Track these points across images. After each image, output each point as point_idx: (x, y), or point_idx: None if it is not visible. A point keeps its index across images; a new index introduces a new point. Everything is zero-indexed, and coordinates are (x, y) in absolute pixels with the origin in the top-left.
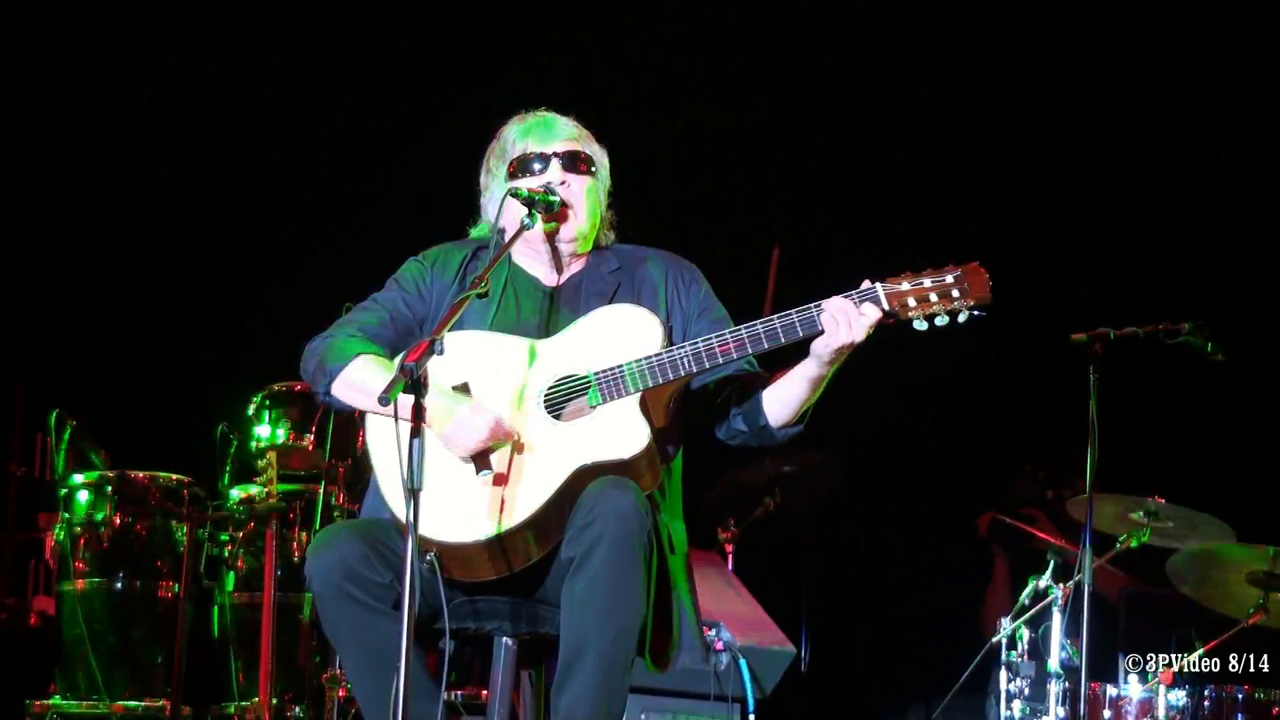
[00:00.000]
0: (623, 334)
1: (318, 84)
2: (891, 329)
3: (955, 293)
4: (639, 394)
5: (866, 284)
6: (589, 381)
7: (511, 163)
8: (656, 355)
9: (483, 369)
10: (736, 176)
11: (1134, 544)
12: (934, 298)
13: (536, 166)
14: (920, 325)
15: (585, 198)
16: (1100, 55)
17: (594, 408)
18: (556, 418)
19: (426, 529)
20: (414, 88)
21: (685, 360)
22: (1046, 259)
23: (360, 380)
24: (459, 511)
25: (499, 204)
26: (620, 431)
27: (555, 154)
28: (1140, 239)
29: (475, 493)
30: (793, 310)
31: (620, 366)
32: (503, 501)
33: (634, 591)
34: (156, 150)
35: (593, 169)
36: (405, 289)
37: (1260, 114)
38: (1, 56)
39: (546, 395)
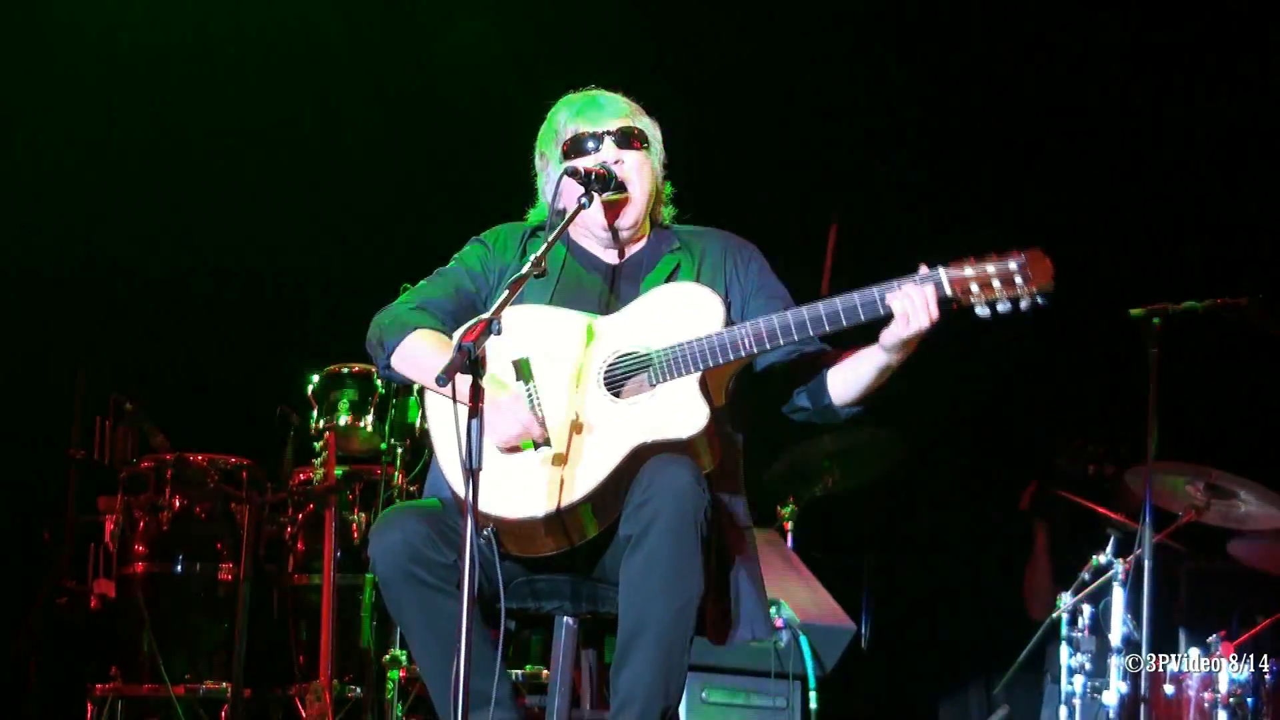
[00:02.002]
0: (683, 312)
1: (383, 63)
2: (953, 314)
3: (1019, 279)
4: (699, 373)
5: (925, 269)
6: (649, 360)
7: (565, 143)
8: (717, 334)
9: (542, 345)
10: (794, 155)
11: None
12: (997, 284)
13: (590, 145)
14: (983, 312)
15: (640, 173)
16: (1153, 27)
17: (654, 386)
18: (616, 395)
19: (486, 505)
20: (472, 66)
21: (746, 340)
22: (1106, 233)
23: (415, 354)
24: (518, 488)
25: (555, 185)
26: (680, 411)
27: (608, 132)
28: (1200, 212)
29: (534, 469)
30: (855, 292)
31: (680, 345)
32: (562, 478)
33: (692, 569)
34: (216, 130)
35: (646, 144)
36: (469, 265)
37: None
38: None
39: (606, 373)
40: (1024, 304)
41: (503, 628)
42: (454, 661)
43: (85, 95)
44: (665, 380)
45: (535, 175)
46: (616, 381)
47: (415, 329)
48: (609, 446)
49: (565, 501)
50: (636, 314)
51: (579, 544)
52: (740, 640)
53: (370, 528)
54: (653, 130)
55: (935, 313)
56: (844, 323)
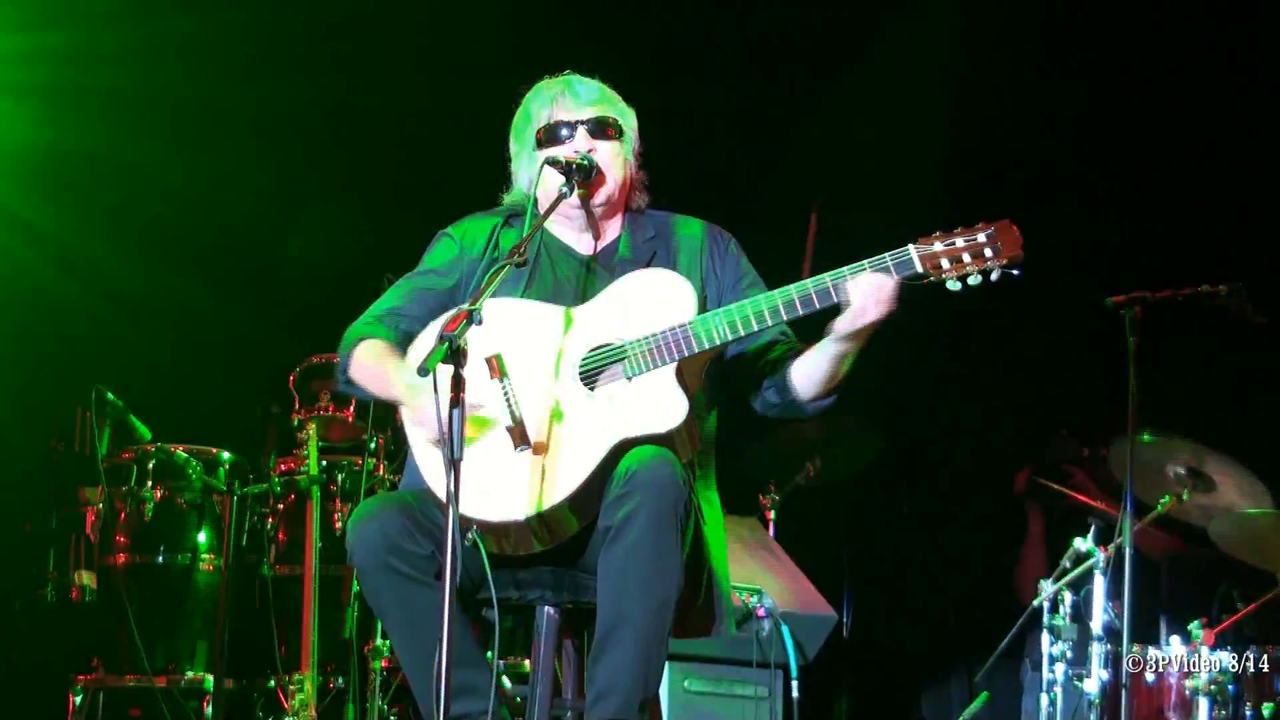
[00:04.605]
0: (656, 300)
1: (366, 47)
2: (925, 290)
3: (988, 251)
4: (675, 364)
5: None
6: (624, 352)
7: (539, 131)
8: (690, 323)
9: (515, 338)
10: (775, 141)
11: (1174, 500)
12: (967, 257)
13: (564, 134)
14: (954, 286)
15: (613, 162)
16: (1142, 12)
17: (630, 379)
18: (591, 388)
19: (466, 508)
20: (450, 51)
21: (720, 328)
22: (1085, 222)
23: (361, 365)
24: (498, 489)
25: (534, 173)
26: (658, 403)
27: (581, 121)
28: (1179, 201)
29: (513, 469)
30: (809, 280)
31: (654, 336)
32: (542, 478)
33: (672, 562)
34: (198, 124)
35: (620, 133)
36: (435, 264)
37: None
38: None
39: (582, 365)
40: (994, 275)
41: (497, 625)
42: (434, 652)
43: (64, 84)
44: (641, 372)
45: (510, 158)
46: (592, 374)
47: (360, 341)
48: (589, 443)
49: (547, 503)
50: (609, 303)
51: (562, 540)
52: (709, 638)
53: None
54: (627, 118)
55: (890, 305)
56: (800, 311)
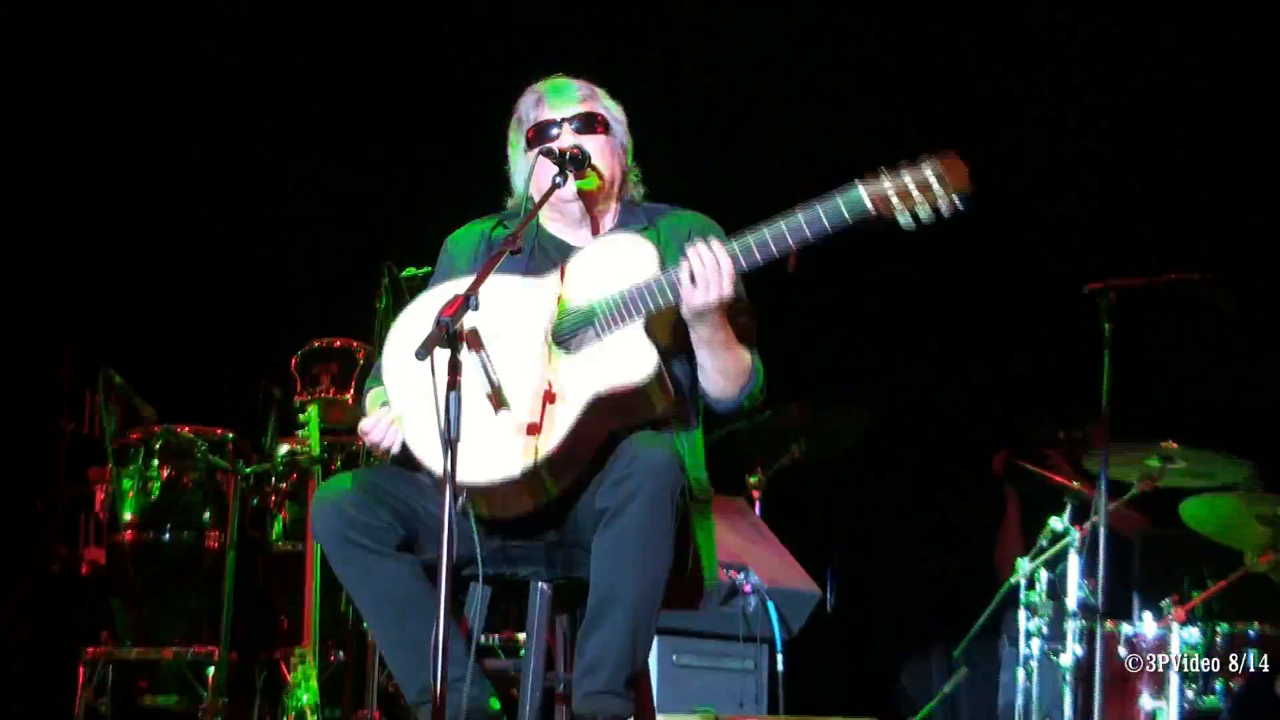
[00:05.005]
0: (620, 262)
1: (366, 42)
2: (878, 232)
3: (935, 184)
4: (642, 319)
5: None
6: (592, 313)
7: (529, 131)
8: (655, 279)
9: (492, 310)
10: (764, 132)
11: (1152, 473)
12: (915, 192)
13: (553, 132)
14: (905, 221)
15: (602, 157)
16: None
17: (601, 337)
18: (565, 350)
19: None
20: (458, 46)
21: (670, 288)
22: (1063, 211)
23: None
24: (483, 452)
25: (528, 169)
26: (629, 357)
27: (567, 119)
28: (1154, 191)
29: (496, 432)
30: (765, 229)
31: (620, 294)
32: (525, 437)
33: (665, 545)
34: (202, 109)
35: (607, 128)
36: (437, 284)
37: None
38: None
39: (555, 330)
40: (944, 208)
41: (478, 598)
42: (402, 620)
43: (70, 66)
44: (611, 330)
45: (510, 164)
46: (565, 338)
47: (369, 392)
48: (567, 401)
49: (530, 460)
50: (576, 271)
51: (553, 499)
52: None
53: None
54: (615, 113)
55: (728, 290)
56: (755, 258)
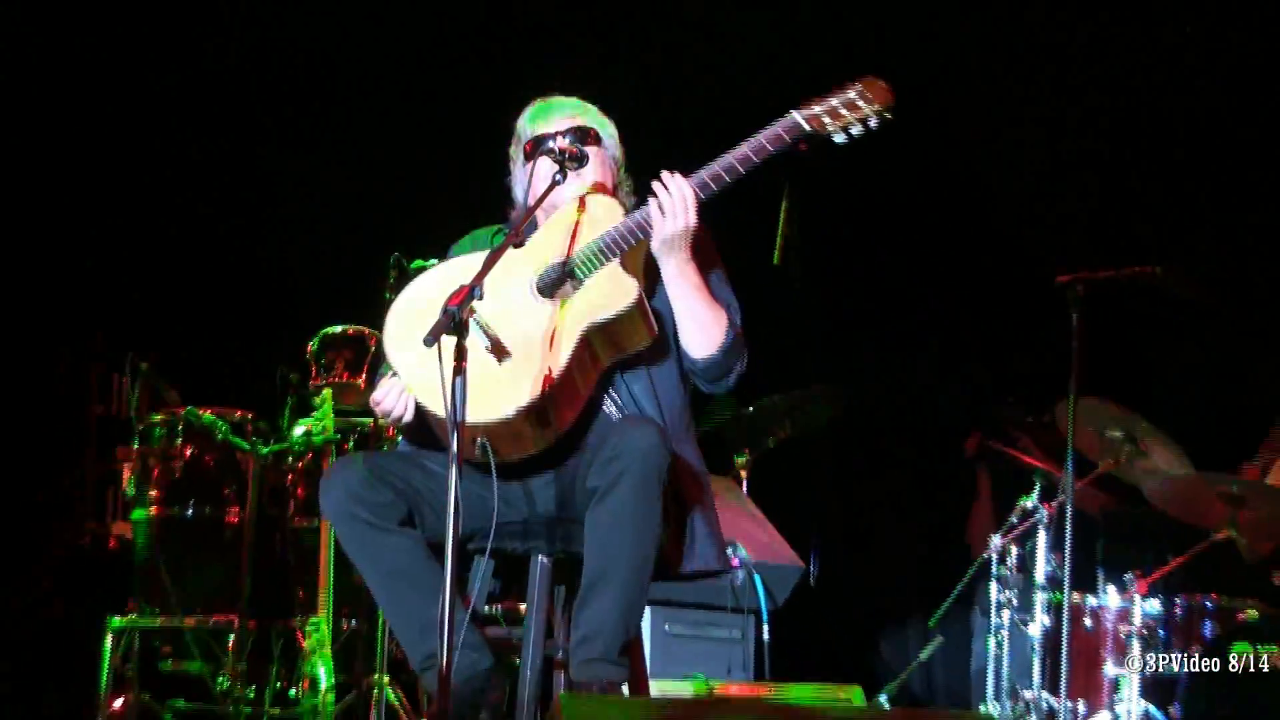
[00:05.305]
0: (589, 218)
1: (374, 35)
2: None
3: (860, 102)
4: (617, 259)
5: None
6: (570, 263)
7: (527, 144)
8: (617, 227)
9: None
10: (745, 127)
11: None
12: (844, 110)
13: (549, 144)
14: (839, 139)
15: (594, 168)
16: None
17: (582, 281)
18: (552, 299)
19: (468, 416)
20: (467, 39)
21: (644, 215)
22: (1035, 207)
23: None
24: (492, 394)
25: (528, 177)
26: (611, 290)
27: (560, 132)
28: (1123, 188)
29: (501, 376)
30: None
31: (594, 242)
32: (529, 373)
33: (653, 520)
34: (223, 102)
35: (599, 140)
36: None
37: (1235, 68)
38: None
39: (537, 284)
40: (873, 123)
41: (482, 572)
42: (406, 592)
43: (101, 56)
44: (590, 273)
45: (509, 177)
46: (548, 289)
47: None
48: (561, 339)
49: (537, 391)
50: (551, 232)
51: (554, 439)
52: (691, 569)
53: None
54: (606, 127)
55: (693, 218)
56: (639, 234)
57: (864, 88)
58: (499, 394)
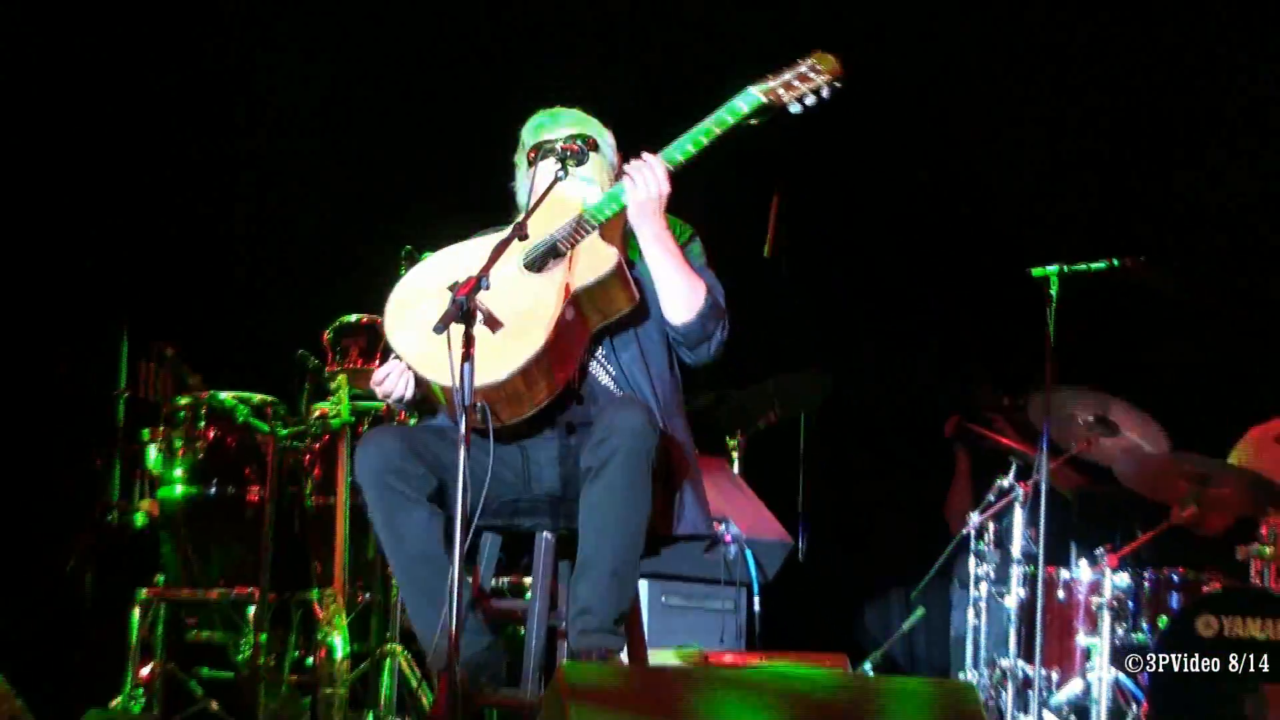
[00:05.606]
0: (570, 199)
1: (405, 35)
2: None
3: (811, 74)
4: (596, 231)
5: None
6: (553, 239)
7: (529, 151)
8: (593, 204)
9: (473, 263)
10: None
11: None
12: (796, 82)
13: (550, 147)
14: (795, 109)
15: (592, 173)
16: None
17: (565, 254)
18: (539, 273)
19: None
20: (485, 46)
21: (619, 191)
22: (1013, 199)
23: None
24: (490, 361)
25: (531, 179)
26: (593, 258)
27: (560, 139)
28: (1096, 182)
29: (496, 344)
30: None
31: (574, 218)
32: (521, 339)
33: (642, 499)
34: (246, 96)
35: (596, 148)
36: None
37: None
38: None
39: (524, 262)
40: (824, 92)
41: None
42: (414, 564)
43: (127, 46)
44: (573, 246)
45: (513, 183)
46: (536, 265)
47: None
48: (549, 305)
49: (531, 352)
50: (536, 220)
51: (550, 399)
52: (681, 533)
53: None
54: (604, 136)
55: (665, 185)
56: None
57: (814, 61)
58: (496, 359)
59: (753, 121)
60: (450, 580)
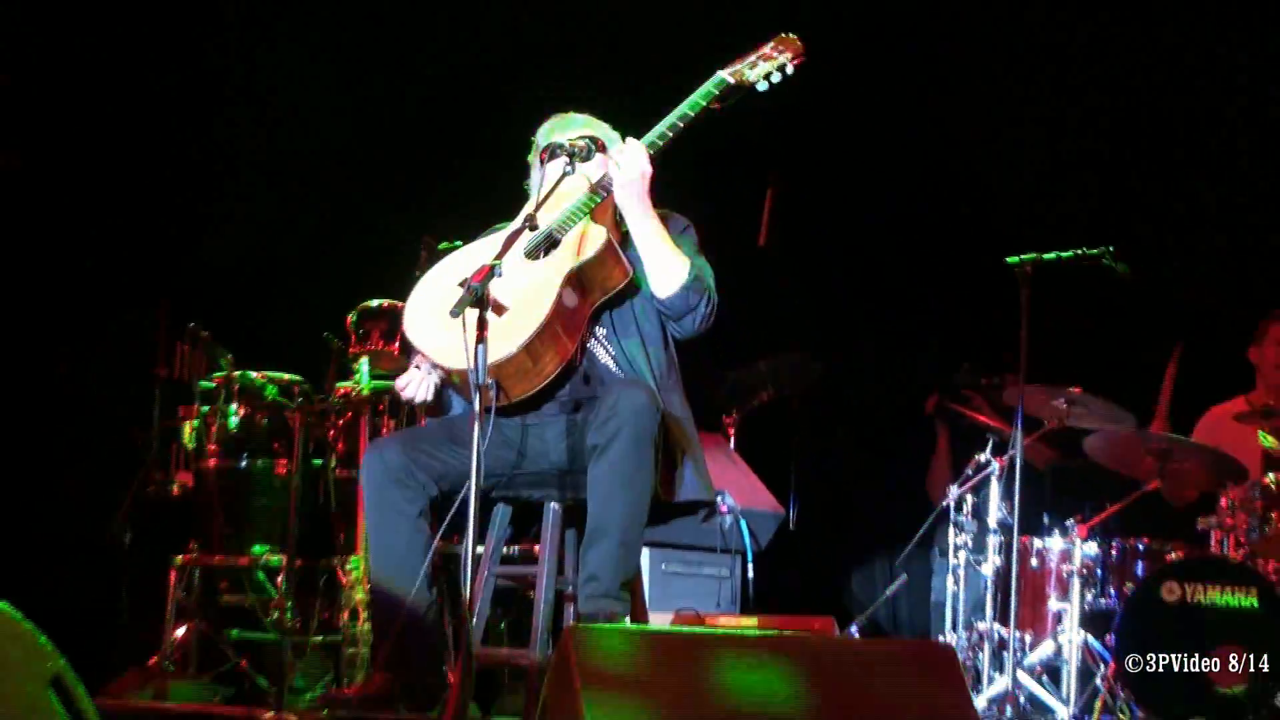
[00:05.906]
0: (560, 193)
1: (426, 29)
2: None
3: (775, 54)
4: (586, 217)
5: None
6: (550, 229)
7: (542, 153)
8: (584, 194)
9: (481, 256)
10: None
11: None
12: (761, 63)
13: (559, 152)
14: (762, 86)
15: (598, 169)
16: None
17: (560, 241)
18: (537, 260)
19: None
20: (505, 48)
21: (607, 179)
22: (990, 191)
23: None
24: (498, 339)
25: (544, 174)
26: (585, 240)
27: (571, 140)
28: (1070, 174)
29: (501, 324)
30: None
31: (565, 209)
32: (523, 318)
33: (645, 473)
34: (279, 85)
35: (605, 149)
36: None
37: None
38: None
39: (527, 250)
40: (789, 70)
41: (497, 513)
42: (389, 578)
43: (171, 35)
44: (567, 232)
45: (527, 182)
46: (534, 253)
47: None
48: (548, 287)
49: (533, 328)
50: (544, 211)
51: (555, 373)
52: (682, 499)
53: (392, 433)
54: (615, 142)
55: (647, 166)
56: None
57: (776, 43)
58: (504, 338)
59: (728, 101)
60: (464, 552)
